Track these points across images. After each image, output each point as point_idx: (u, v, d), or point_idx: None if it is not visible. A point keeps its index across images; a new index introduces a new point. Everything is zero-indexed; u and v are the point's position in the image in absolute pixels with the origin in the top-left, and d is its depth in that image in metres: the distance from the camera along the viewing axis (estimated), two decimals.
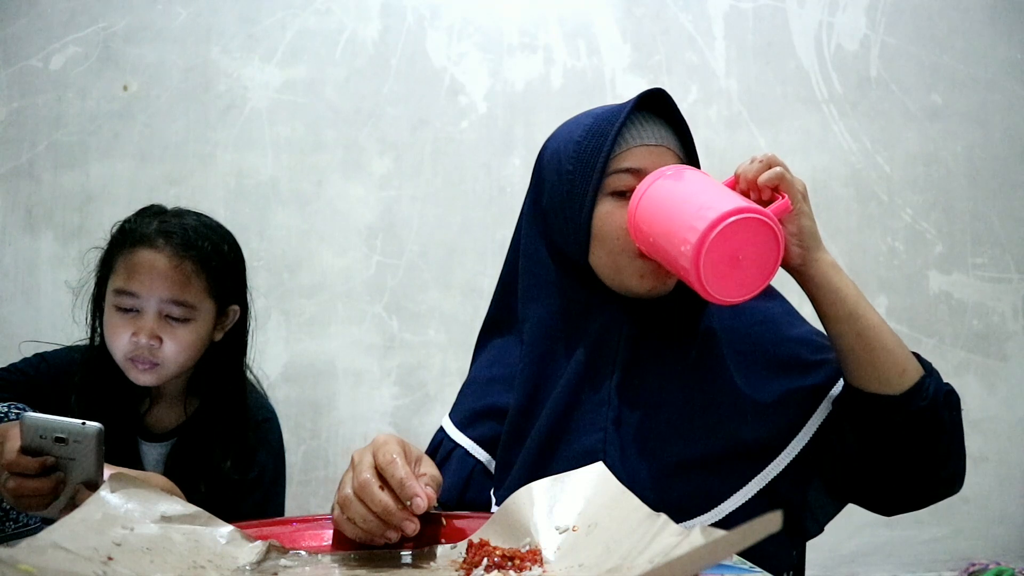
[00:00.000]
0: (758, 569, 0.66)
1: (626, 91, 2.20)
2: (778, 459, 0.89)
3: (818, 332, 0.97)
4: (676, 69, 2.26)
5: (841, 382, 0.91)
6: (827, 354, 0.94)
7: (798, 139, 2.27)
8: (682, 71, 2.26)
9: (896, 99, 2.32)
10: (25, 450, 0.84)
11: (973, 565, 2.20)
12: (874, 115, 2.31)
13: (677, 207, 0.81)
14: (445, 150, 2.18)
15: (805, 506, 0.92)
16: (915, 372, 0.86)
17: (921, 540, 2.23)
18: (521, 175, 2.18)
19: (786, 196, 0.82)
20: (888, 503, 0.92)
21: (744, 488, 0.87)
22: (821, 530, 0.96)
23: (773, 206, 0.82)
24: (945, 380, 0.88)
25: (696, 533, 0.57)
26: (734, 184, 0.86)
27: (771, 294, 1.01)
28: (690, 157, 0.95)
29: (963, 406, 0.89)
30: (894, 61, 2.32)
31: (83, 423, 0.85)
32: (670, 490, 0.86)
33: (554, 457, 0.88)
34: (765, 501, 0.87)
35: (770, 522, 0.46)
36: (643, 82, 2.23)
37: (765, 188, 0.83)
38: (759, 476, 0.88)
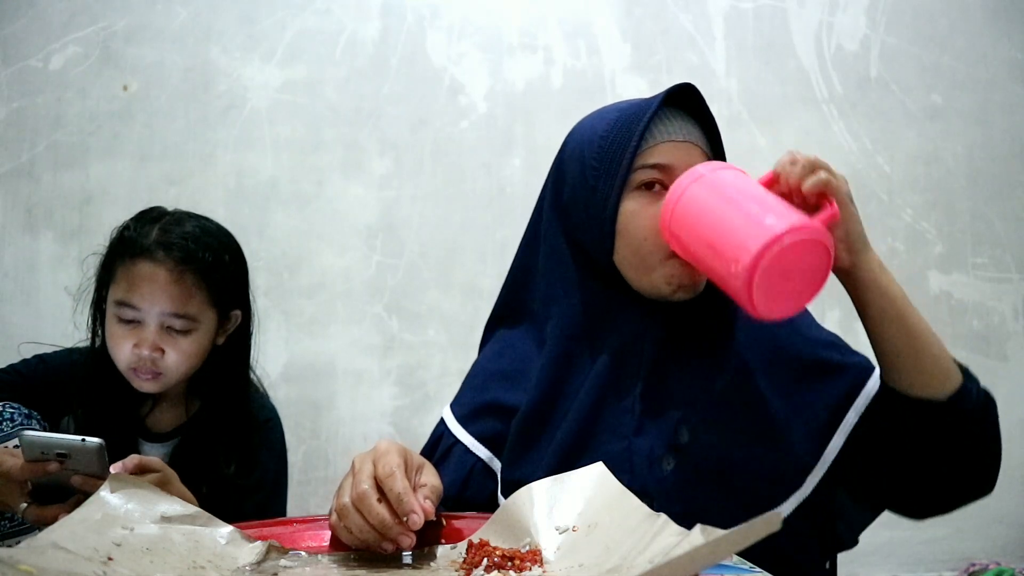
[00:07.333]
0: (758, 569, 0.66)
1: (626, 91, 2.20)
2: (812, 474, 0.86)
3: (835, 335, 0.95)
4: (676, 69, 2.25)
5: (870, 385, 0.88)
6: (852, 357, 0.92)
7: (798, 139, 2.26)
8: (682, 71, 2.26)
9: (896, 99, 2.32)
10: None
11: (973, 565, 2.19)
12: (874, 115, 2.31)
13: (722, 219, 0.77)
14: (445, 150, 2.18)
15: (837, 513, 0.90)
16: (957, 376, 0.84)
17: (921, 540, 2.23)
18: (521, 175, 2.18)
19: (834, 203, 0.77)
20: (922, 506, 0.89)
21: (780, 507, 0.84)
22: (855, 540, 0.93)
23: (822, 215, 0.77)
24: None
25: (696, 533, 0.57)
26: (773, 182, 0.80)
27: None
28: (717, 154, 0.93)
29: None
30: (894, 61, 2.32)
31: (83, 439, 0.84)
32: (699, 500, 0.83)
33: (577, 465, 0.86)
34: (799, 512, 0.85)
35: (770, 523, 0.46)
36: (643, 82, 2.22)
37: (810, 194, 0.77)
38: (795, 495, 0.85)
